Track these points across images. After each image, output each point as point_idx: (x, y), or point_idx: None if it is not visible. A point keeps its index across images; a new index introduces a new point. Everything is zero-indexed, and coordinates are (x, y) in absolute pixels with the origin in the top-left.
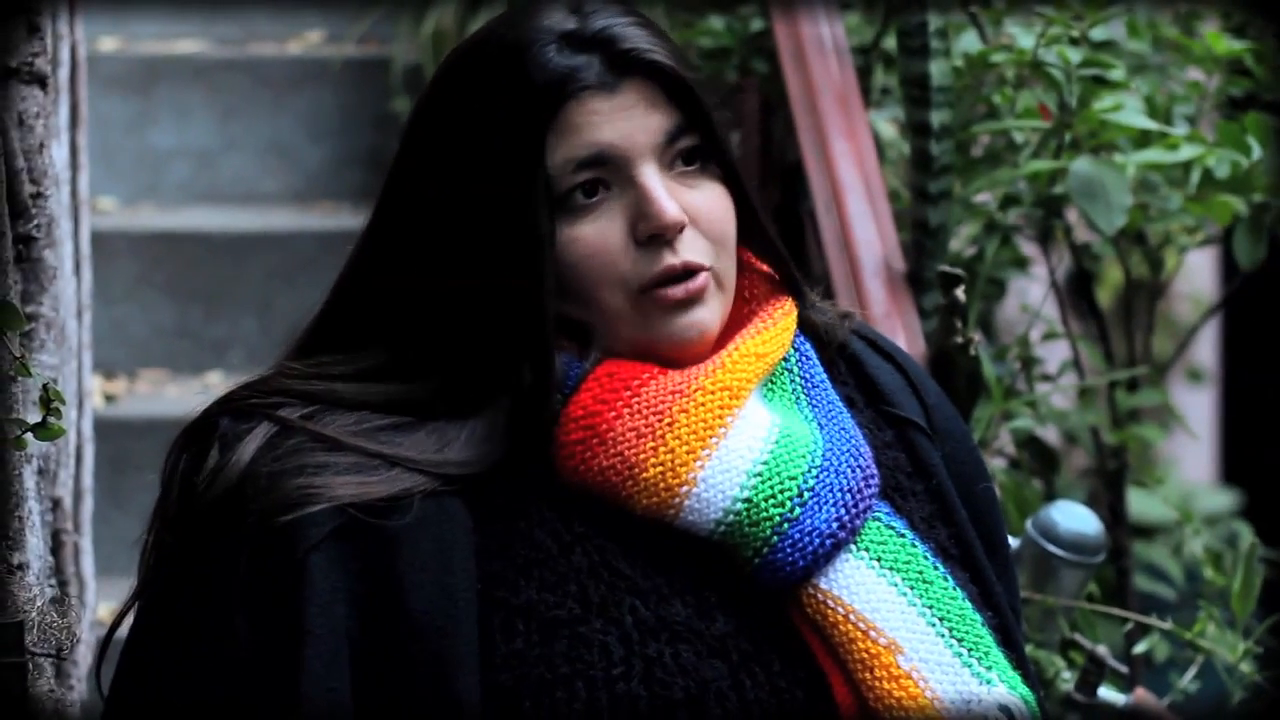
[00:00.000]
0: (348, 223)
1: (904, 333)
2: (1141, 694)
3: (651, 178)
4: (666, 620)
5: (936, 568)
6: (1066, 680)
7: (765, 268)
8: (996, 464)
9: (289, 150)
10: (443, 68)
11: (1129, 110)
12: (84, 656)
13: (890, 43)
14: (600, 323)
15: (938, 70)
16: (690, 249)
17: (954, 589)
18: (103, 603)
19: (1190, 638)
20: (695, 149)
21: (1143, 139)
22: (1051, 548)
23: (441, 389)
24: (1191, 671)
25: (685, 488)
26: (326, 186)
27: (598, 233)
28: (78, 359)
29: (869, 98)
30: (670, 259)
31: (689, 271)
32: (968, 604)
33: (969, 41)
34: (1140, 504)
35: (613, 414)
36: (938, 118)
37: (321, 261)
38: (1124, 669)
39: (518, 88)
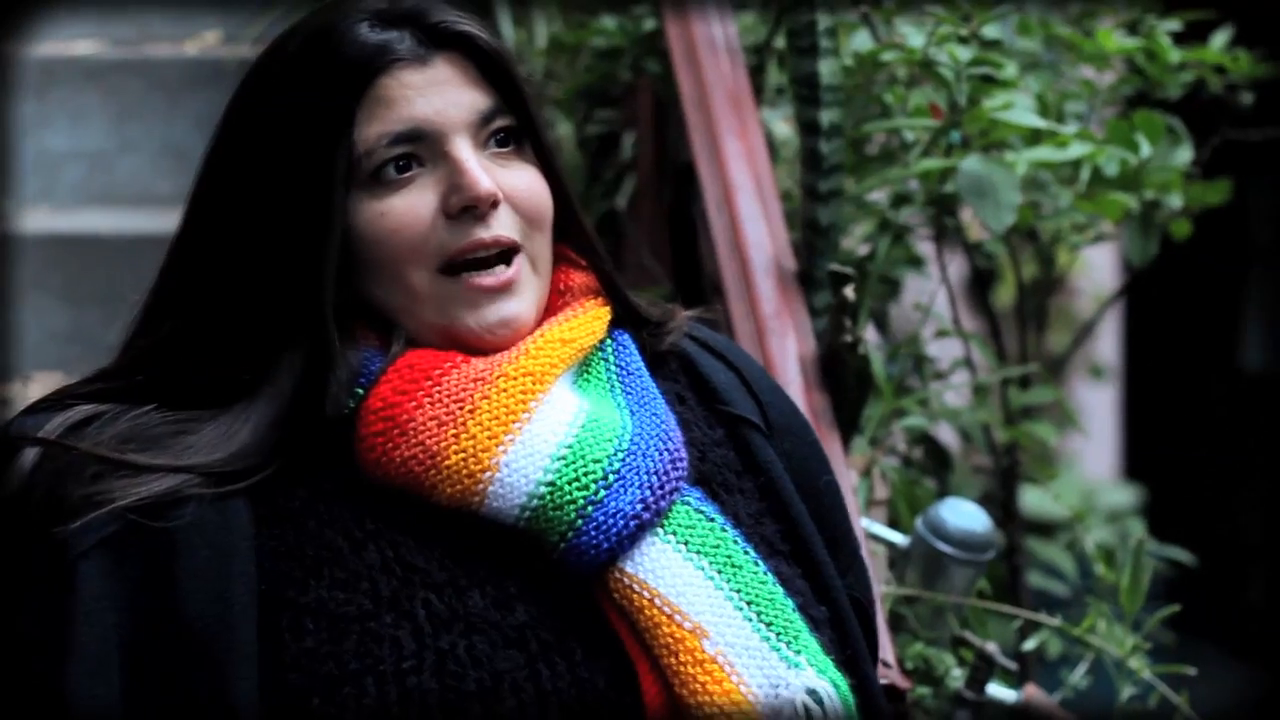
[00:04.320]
0: None
1: (794, 331)
2: (1031, 690)
3: (465, 151)
4: (461, 612)
5: (747, 553)
6: (956, 678)
7: (583, 262)
8: (889, 462)
9: (185, 152)
10: (256, 57)
11: (1019, 108)
12: None
13: (784, 41)
14: (405, 306)
15: (827, 69)
16: (502, 225)
17: (764, 574)
18: None
19: (1079, 634)
20: (511, 132)
21: (1033, 137)
22: (940, 545)
23: (228, 377)
24: (1082, 668)
25: (488, 474)
26: None
27: (407, 206)
28: None
29: (763, 97)
30: (481, 233)
31: (503, 255)
32: (778, 589)
33: (863, 41)
34: (1038, 501)
35: (413, 404)
36: (827, 116)
37: None
38: (1013, 666)
39: (328, 63)
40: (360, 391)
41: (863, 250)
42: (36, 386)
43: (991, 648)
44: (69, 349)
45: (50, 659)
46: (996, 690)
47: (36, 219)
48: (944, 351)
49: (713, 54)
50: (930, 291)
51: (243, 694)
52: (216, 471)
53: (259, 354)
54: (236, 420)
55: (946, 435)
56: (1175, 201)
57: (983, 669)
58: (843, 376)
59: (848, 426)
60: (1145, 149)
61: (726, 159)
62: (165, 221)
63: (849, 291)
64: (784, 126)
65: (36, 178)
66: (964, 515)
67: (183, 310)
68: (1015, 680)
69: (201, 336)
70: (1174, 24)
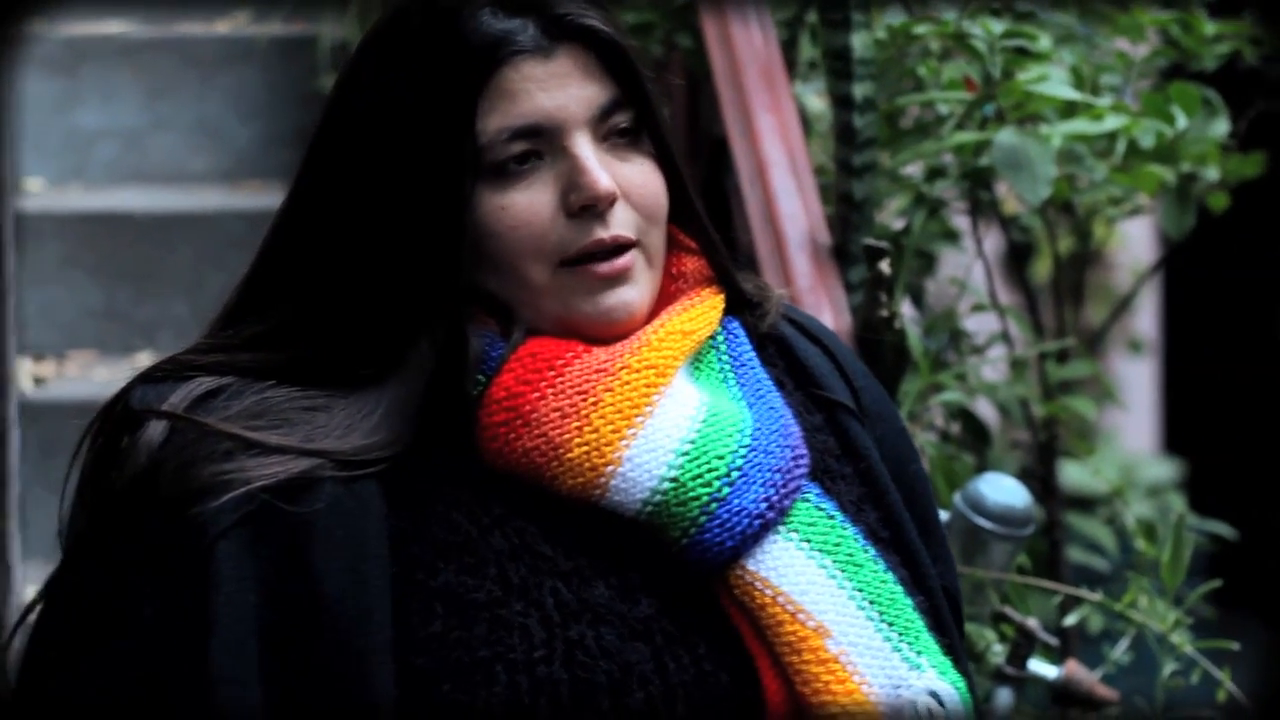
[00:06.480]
0: (276, 202)
1: (830, 307)
2: (1072, 666)
3: (585, 148)
4: (589, 602)
5: (867, 550)
6: (997, 653)
7: (694, 245)
8: (927, 437)
9: (217, 129)
10: (370, 34)
11: (1054, 81)
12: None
13: (816, 15)
14: (523, 298)
15: (859, 43)
16: (621, 223)
17: (884, 572)
18: (32, 586)
19: (1120, 609)
20: (629, 123)
21: (1068, 110)
22: (980, 520)
23: (354, 362)
24: (1123, 643)
25: (611, 467)
26: (255, 165)
27: (527, 202)
28: (3, 342)
29: (796, 70)
30: (600, 232)
31: (618, 247)
32: (898, 587)
33: (895, 14)
34: (1078, 476)
35: (536, 395)
36: (860, 90)
37: (251, 241)
38: (1054, 641)
39: (450, 51)
40: (482, 379)
41: (898, 224)
42: (71, 365)
43: (1032, 623)
44: (104, 326)
45: (193, 640)
46: (1037, 666)
47: (69, 197)
48: (981, 326)
49: (745, 28)
50: (966, 265)
51: (380, 678)
52: (348, 459)
53: (384, 341)
54: (367, 407)
55: (984, 410)
56: (1212, 174)
57: (1024, 645)
58: (879, 352)
59: None
60: (1181, 121)
61: (760, 134)
62: (198, 199)
63: (884, 266)
64: (817, 101)
65: (69, 156)
66: (1003, 490)
67: (298, 293)
68: (1056, 656)
69: (320, 320)
70: None
